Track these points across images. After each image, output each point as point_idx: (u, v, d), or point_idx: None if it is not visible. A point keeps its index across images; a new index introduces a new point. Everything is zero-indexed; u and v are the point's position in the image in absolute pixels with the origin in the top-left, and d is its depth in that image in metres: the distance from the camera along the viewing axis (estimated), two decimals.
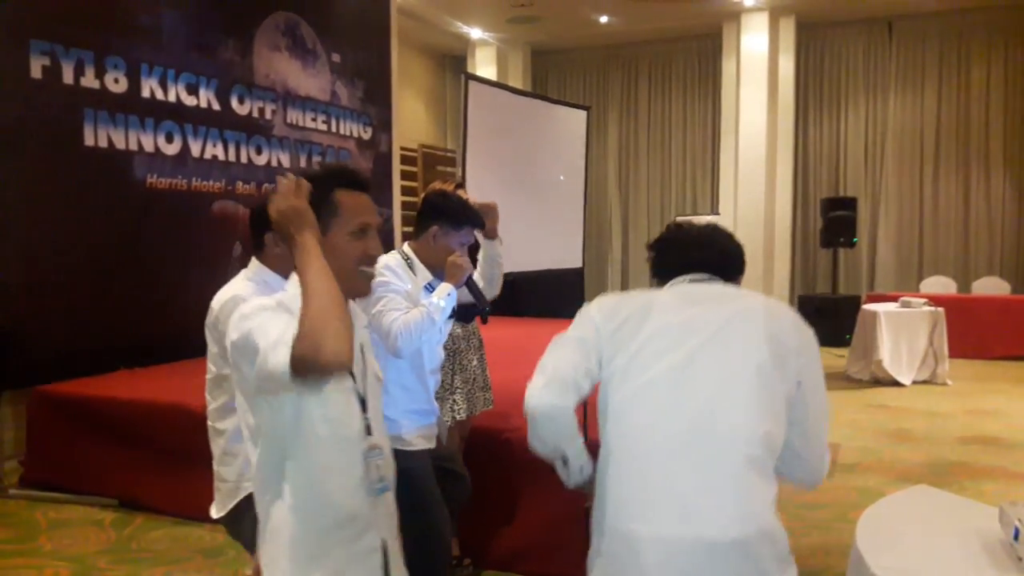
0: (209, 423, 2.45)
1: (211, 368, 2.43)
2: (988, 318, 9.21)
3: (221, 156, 6.45)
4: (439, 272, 2.82)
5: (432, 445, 2.85)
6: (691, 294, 1.88)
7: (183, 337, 5.82)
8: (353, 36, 8.10)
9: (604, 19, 11.05)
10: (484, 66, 11.98)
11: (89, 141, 5.44)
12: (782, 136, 11.11)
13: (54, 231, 5.22)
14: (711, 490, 1.61)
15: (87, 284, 5.44)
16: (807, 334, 1.80)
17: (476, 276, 3.08)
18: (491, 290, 3.18)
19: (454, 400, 3.44)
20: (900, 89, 11.10)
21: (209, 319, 2.39)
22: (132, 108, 5.71)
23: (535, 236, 10.15)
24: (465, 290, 2.87)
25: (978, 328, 9.04)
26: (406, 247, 2.88)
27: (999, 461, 5.33)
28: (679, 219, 2.13)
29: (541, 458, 3.60)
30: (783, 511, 4.60)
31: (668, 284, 1.94)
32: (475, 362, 3.57)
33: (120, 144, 5.64)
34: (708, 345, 1.73)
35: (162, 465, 4.39)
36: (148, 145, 5.83)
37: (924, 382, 7.82)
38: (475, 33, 11.66)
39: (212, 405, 2.43)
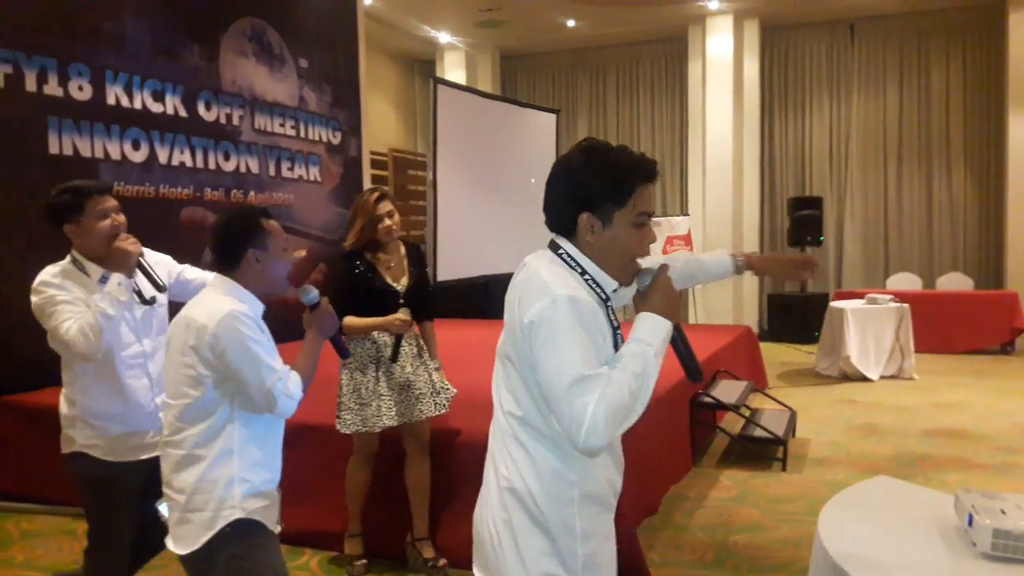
0: (176, 452, 2.15)
1: (190, 392, 2.12)
2: (952, 313, 9.41)
3: (189, 163, 6.41)
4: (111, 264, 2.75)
5: (130, 457, 2.80)
6: (518, 271, 1.80)
7: None
8: (320, 41, 8.09)
9: (571, 23, 11.12)
10: (453, 70, 12.01)
11: (54, 149, 5.39)
12: (748, 137, 11.25)
13: (19, 240, 5.16)
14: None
15: None
16: (524, 308, 1.64)
17: (151, 260, 2.97)
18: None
19: (379, 406, 3.46)
20: (863, 90, 11.29)
21: (200, 339, 2.09)
22: (97, 115, 5.66)
23: (507, 239, 10.17)
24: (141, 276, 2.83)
25: (943, 323, 9.23)
26: (73, 252, 2.81)
27: (962, 452, 5.46)
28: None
29: None
30: (754, 507, 4.67)
31: None
32: (408, 369, 3.55)
33: (86, 152, 5.59)
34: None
35: None
36: (114, 152, 5.79)
37: (891, 377, 7.97)
38: (443, 37, 11.68)
39: (187, 432, 2.13)
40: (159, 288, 2.89)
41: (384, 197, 3.59)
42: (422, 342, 3.69)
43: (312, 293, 2.32)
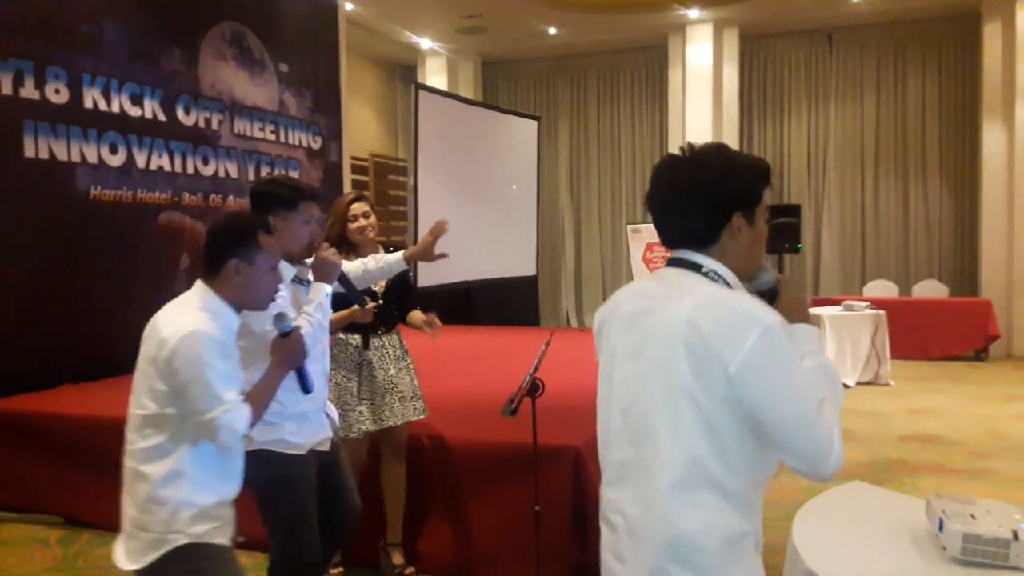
0: (130, 464, 2.11)
1: (147, 404, 2.09)
2: (928, 320, 9.51)
3: (167, 167, 6.38)
4: (298, 262, 2.78)
5: (323, 448, 2.79)
6: (645, 292, 1.68)
7: (129, 351, 5.76)
8: (301, 46, 8.07)
9: (552, 30, 11.17)
10: (434, 76, 12.01)
11: (29, 152, 5.34)
12: (727, 144, 11.31)
13: None
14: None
15: (30, 298, 5.33)
16: (740, 333, 1.46)
17: (349, 268, 3.05)
18: (360, 283, 3.14)
19: (360, 411, 3.45)
20: (840, 98, 11.41)
21: (160, 352, 2.06)
22: (74, 119, 5.62)
23: (489, 245, 10.19)
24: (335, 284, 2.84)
25: (918, 330, 9.33)
26: None
27: (936, 458, 5.52)
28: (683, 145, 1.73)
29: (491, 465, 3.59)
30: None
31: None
32: (392, 371, 3.54)
33: (62, 155, 5.55)
34: (633, 372, 1.60)
35: (108, 481, 4.24)
36: (91, 156, 5.75)
37: (868, 383, 8.04)
38: (425, 43, 11.68)
39: (139, 444, 2.09)
40: (361, 302, 3.00)
41: (360, 199, 3.55)
42: (406, 345, 3.68)
43: (287, 321, 2.28)
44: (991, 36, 10.03)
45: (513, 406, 2.89)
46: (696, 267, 1.61)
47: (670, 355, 1.51)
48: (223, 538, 2.16)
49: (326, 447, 2.81)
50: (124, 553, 2.11)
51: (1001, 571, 1.82)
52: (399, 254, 3.15)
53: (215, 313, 2.12)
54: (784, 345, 1.48)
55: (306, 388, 2.36)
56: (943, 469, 5.28)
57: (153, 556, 2.05)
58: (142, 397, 2.10)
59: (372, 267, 3.15)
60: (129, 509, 2.11)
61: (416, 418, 3.61)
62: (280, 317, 2.28)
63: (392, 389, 3.52)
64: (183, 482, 2.06)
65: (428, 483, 3.75)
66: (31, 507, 4.49)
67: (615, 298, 1.75)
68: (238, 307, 2.19)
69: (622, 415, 1.61)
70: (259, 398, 2.17)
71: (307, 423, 2.71)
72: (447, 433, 3.80)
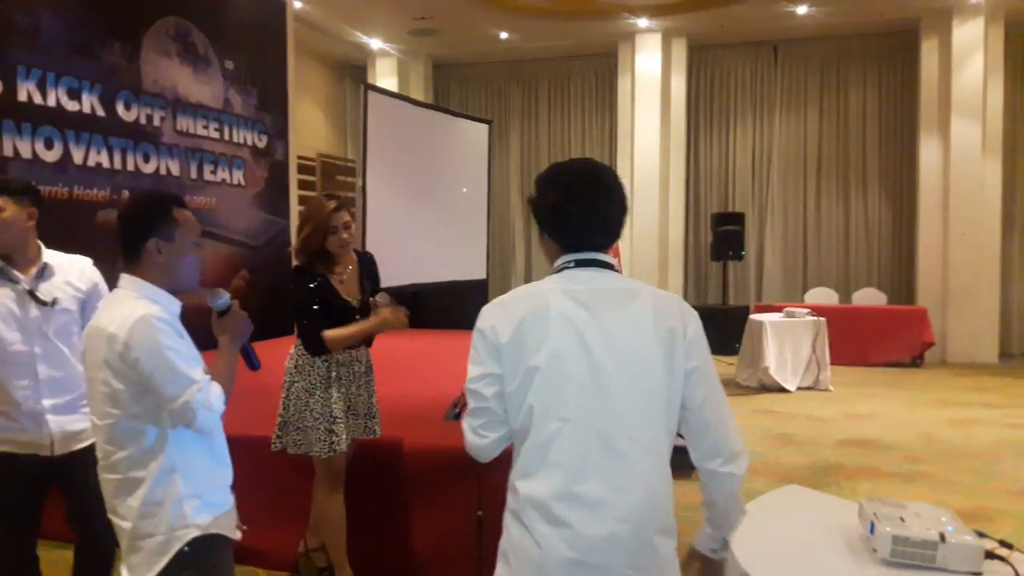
0: (112, 477, 1.97)
1: (111, 411, 1.94)
2: (867, 327, 9.75)
3: (106, 164, 6.21)
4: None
5: (41, 452, 2.72)
6: (578, 294, 1.75)
7: None
8: (247, 43, 7.94)
9: (504, 35, 11.18)
10: (385, 77, 11.93)
11: None
12: (675, 152, 11.47)
13: None
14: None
15: None
16: (685, 323, 1.82)
17: None
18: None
19: (344, 427, 3.28)
20: (785, 109, 11.65)
21: (111, 350, 1.91)
22: (7, 112, 5.44)
23: (439, 248, 10.16)
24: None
25: (857, 336, 9.56)
26: None
27: (872, 462, 5.65)
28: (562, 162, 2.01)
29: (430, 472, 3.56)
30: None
31: (558, 269, 1.83)
32: (354, 388, 3.37)
33: None
34: (615, 368, 1.70)
35: None
36: (25, 151, 5.56)
37: (808, 388, 8.20)
38: (375, 44, 11.60)
39: (118, 455, 1.95)
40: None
41: (342, 206, 3.25)
42: (371, 360, 3.49)
43: (223, 298, 2.15)
44: (928, 52, 10.35)
45: (456, 411, 2.86)
46: (609, 266, 1.83)
47: (647, 346, 1.73)
48: (230, 529, 2.07)
49: (46, 452, 2.72)
50: (128, 569, 1.97)
51: (928, 572, 1.86)
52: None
53: (152, 299, 2.00)
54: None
55: (253, 366, 2.27)
56: (879, 473, 5.40)
57: (163, 562, 1.94)
58: (102, 406, 1.95)
59: None
60: (123, 523, 1.97)
61: (369, 437, 3.46)
62: (215, 294, 2.14)
63: (355, 406, 3.37)
64: (178, 476, 1.96)
65: (370, 488, 3.70)
66: None
67: (539, 300, 1.79)
68: (170, 290, 2.07)
69: (595, 411, 1.70)
70: (223, 376, 2.06)
71: (10, 424, 2.68)
72: (390, 438, 3.76)
